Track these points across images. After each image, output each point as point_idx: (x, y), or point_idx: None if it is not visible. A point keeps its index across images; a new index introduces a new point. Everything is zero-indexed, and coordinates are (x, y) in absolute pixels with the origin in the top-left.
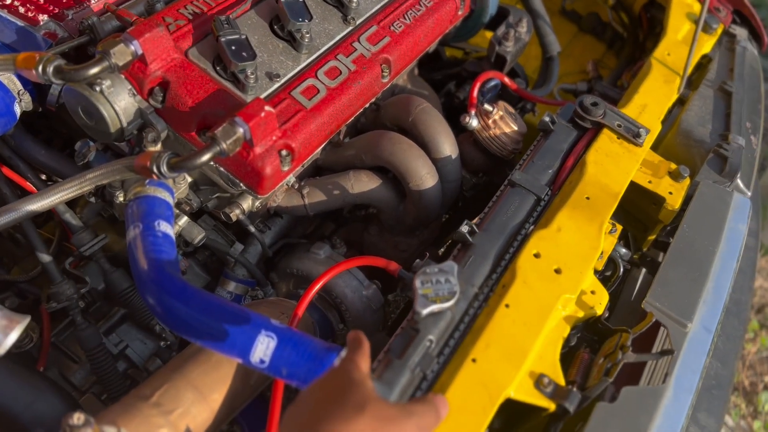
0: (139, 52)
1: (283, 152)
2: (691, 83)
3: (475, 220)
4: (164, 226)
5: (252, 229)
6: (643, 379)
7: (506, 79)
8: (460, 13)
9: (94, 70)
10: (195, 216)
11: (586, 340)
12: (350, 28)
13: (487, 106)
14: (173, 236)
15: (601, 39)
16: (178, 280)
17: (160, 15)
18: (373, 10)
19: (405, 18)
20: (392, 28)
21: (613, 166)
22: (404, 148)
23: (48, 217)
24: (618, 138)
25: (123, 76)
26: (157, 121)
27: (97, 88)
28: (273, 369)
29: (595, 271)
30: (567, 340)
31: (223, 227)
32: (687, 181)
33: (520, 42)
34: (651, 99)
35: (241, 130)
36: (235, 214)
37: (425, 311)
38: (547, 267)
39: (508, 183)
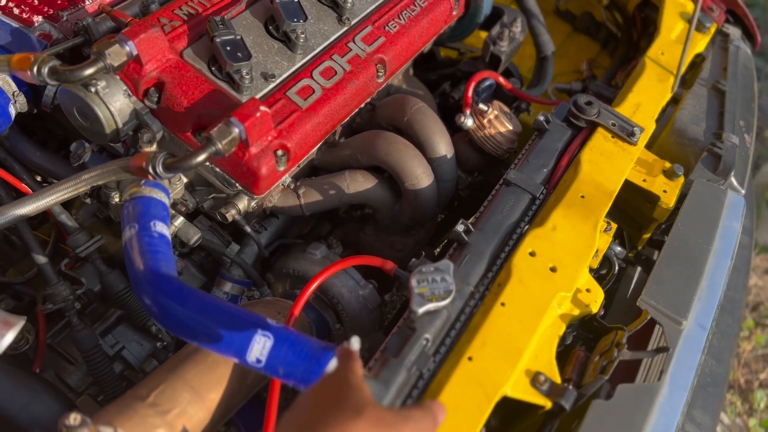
0: (134, 52)
1: (279, 152)
2: (684, 82)
3: (470, 220)
4: (160, 227)
5: (248, 229)
6: (638, 377)
7: (501, 79)
8: (454, 13)
9: (89, 71)
10: (191, 217)
11: (581, 338)
12: (345, 28)
13: (482, 106)
14: (169, 237)
15: (595, 39)
16: (175, 280)
17: (155, 16)
18: (368, 11)
19: (400, 18)
20: (387, 28)
21: (608, 164)
22: (400, 147)
23: (43, 218)
24: (612, 137)
25: (118, 77)
26: (153, 121)
27: (92, 89)
28: (269, 368)
29: (591, 270)
30: (563, 339)
31: (219, 228)
32: (681, 180)
33: (515, 42)
34: (645, 98)
35: (236, 131)
36: (231, 214)
37: (421, 310)
38: (542, 265)
39: (504, 182)
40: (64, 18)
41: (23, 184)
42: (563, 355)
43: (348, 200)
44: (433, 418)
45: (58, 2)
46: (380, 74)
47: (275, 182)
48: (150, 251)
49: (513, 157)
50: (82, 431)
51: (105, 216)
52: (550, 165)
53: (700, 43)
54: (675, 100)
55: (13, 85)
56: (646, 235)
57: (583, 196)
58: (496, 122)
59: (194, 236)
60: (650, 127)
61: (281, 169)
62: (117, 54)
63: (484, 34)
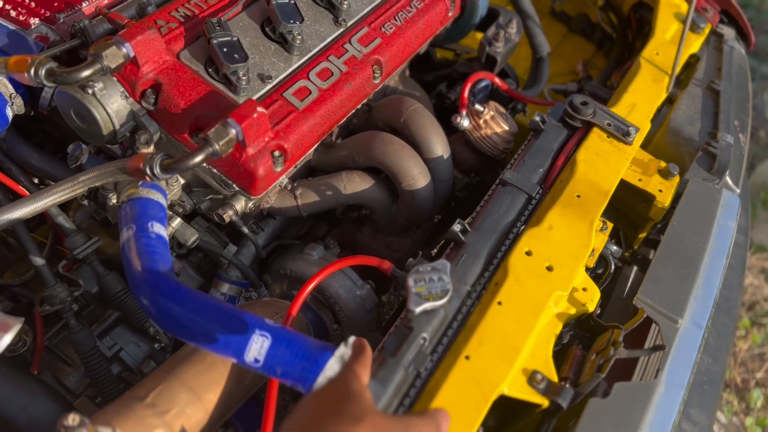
0: (131, 54)
1: (276, 153)
2: (679, 82)
3: (467, 220)
4: (157, 228)
5: (245, 230)
6: (635, 375)
7: (497, 80)
8: (450, 14)
9: (86, 73)
10: (188, 218)
11: (578, 337)
12: (341, 29)
13: (478, 107)
14: (166, 237)
15: (591, 40)
16: (172, 280)
17: (151, 18)
18: (364, 12)
19: (396, 19)
20: (383, 29)
21: (603, 164)
22: (396, 148)
23: (41, 220)
24: (608, 137)
25: (115, 79)
26: (150, 123)
27: (90, 91)
28: (267, 368)
29: (587, 269)
30: (560, 338)
31: (216, 229)
32: (676, 179)
33: (510, 43)
34: (640, 98)
35: (233, 131)
36: (228, 215)
37: (418, 309)
38: (538, 264)
39: (500, 182)
40: (61, 20)
41: (20, 187)
42: (560, 354)
43: (345, 201)
44: (436, 426)
45: (55, 4)
46: (376, 75)
47: (272, 183)
48: (147, 252)
49: (509, 157)
50: (81, 431)
51: (102, 218)
52: (546, 165)
53: (695, 44)
54: (670, 100)
55: (10, 87)
56: (642, 235)
57: (578, 196)
58: (492, 123)
59: (192, 237)
60: (645, 127)
61: (278, 169)
62: (114, 56)
63: (479, 35)
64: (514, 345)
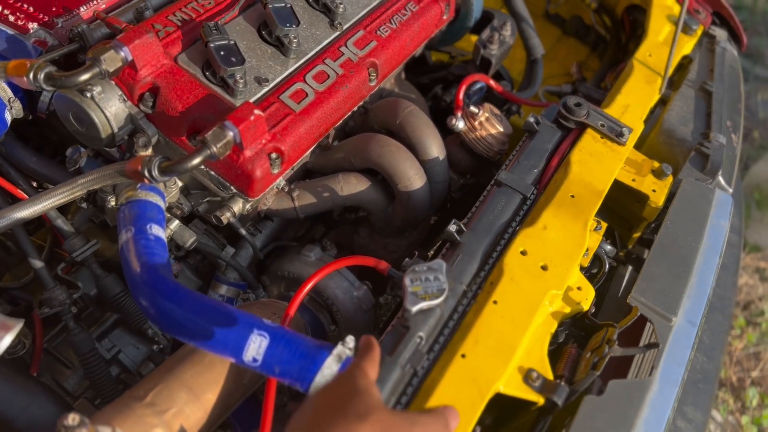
0: (129, 58)
1: (273, 155)
2: (672, 84)
3: (463, 220)
4: (156, 230)
5: (243, 232)
6: (630, 374)
7: (491, 82)
8: (445, 17)
9: (84, 77)
10: (186, 220)
11: (573, 335)
12: (337, 33)
13: (472, 108)
14: (165, 239)
15: (585, 42)
16: (171, 281)
17: (149, 22)
18: (360, 15)
19: (391, 23)
20: (379, 32)
21: (597, 164)
22: (392, 150)
23: (39, 224)
24: (601, 137)
25: (113, 83)
26: (148, 126)
27: (88, 95)
28: (265, 367)
29: (582, 268)
30: (555, 337)
31: (214, 231)
32: (670, 179)
33: (505, 45)
34: (633, 99)
35: (230, 134)
36: (225, 217)
37: (415, 308)
38: (533, 264)
39: (495, 183)
40: (59, 25)
41: (19, 190)
42: (556, 352)
43: (342, 202)
44: (444, 423)
45: (53, 9)
46: (372, 78)
47: (269, 185)
48: (146, 253)
49: (504, 158)
50: (81, 431)
51: (101, 221)
52: (541, 165)
53: (687, 45)
54: (663, 101)
55: (9, 91)
56: (637, 234)
57: (573, 196)
58: (486, 124)
59: (190, 239)
60: (638, 128)
61: (275, 171)
62: (112, 60)
63: (474, 38)
64: (510, 343)
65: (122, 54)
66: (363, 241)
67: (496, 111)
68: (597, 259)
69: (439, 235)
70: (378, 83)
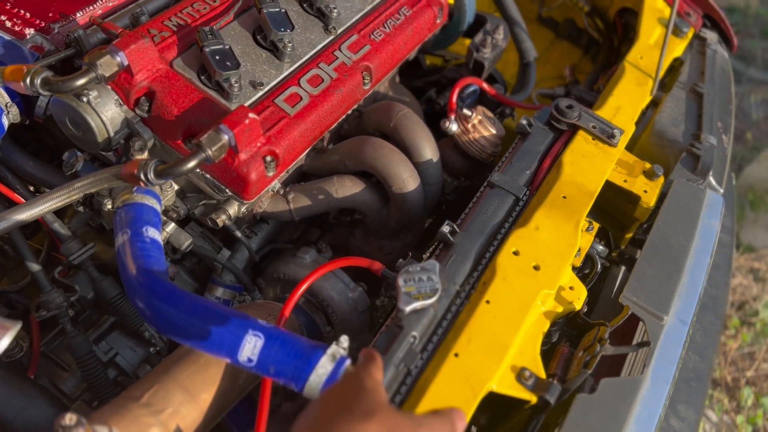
0: (125, 63)
1: (268, 158)
2: (663, 85)
3: (456, 221)
4: (152, 232)
5: (239, 234)
6: (623, 372)
7: (484, 85)
8: (438, 21)
9: (81, 81)
10: (182, 223)
11: (566, 335)
12: (331, 37)
13: (466, 111)
14: (161, 242)
15: (578, 45)
16: (167, 283)
17: (145, 27)
18: (354, 20)
19: (385, 27)
20: (372, 36)
21: (589, 166)
22: (386, 152)
23: (36, 228)
24: (593, 139)
25: (109, 87)
26: (144, 130)
27: (84, 99)
28: (261, 367)
29: (574, 268)
30: (548, 337)
31: (210, 234)
32: (661, 180)
33: (498, 48)
34: (625, 101)
35: (226, 137)
36: (221, 219)
37: (408, 308)
38: (526, 264)
39: (488, 184)
40: (56, 30)
41: (16, 194)
42: (549, 352)
43: (337, 205)
44: (451, 425)
45: (50, 15)
46: (366, 81)
47: (264, 187)
48: (142, 256)
49: (497, 160)
50: (78, 431)
51: (97, 224)
52: (533, 167)
53: (678, 48)
54: (654, 103)
55: (6, 96)
56: (629, 235)
57: (565, 197)
58: (479, 127)
59: (186, 242)
60: (630, 129)
61: (270, 174)
62: (108, 64)
63: (467, 42)
64: (503, 342)
65: (118, 59)
66: (358, 243)
67: (489, 114)
68: (589, 259)
69: (434, 237)
70: (372, 87)
